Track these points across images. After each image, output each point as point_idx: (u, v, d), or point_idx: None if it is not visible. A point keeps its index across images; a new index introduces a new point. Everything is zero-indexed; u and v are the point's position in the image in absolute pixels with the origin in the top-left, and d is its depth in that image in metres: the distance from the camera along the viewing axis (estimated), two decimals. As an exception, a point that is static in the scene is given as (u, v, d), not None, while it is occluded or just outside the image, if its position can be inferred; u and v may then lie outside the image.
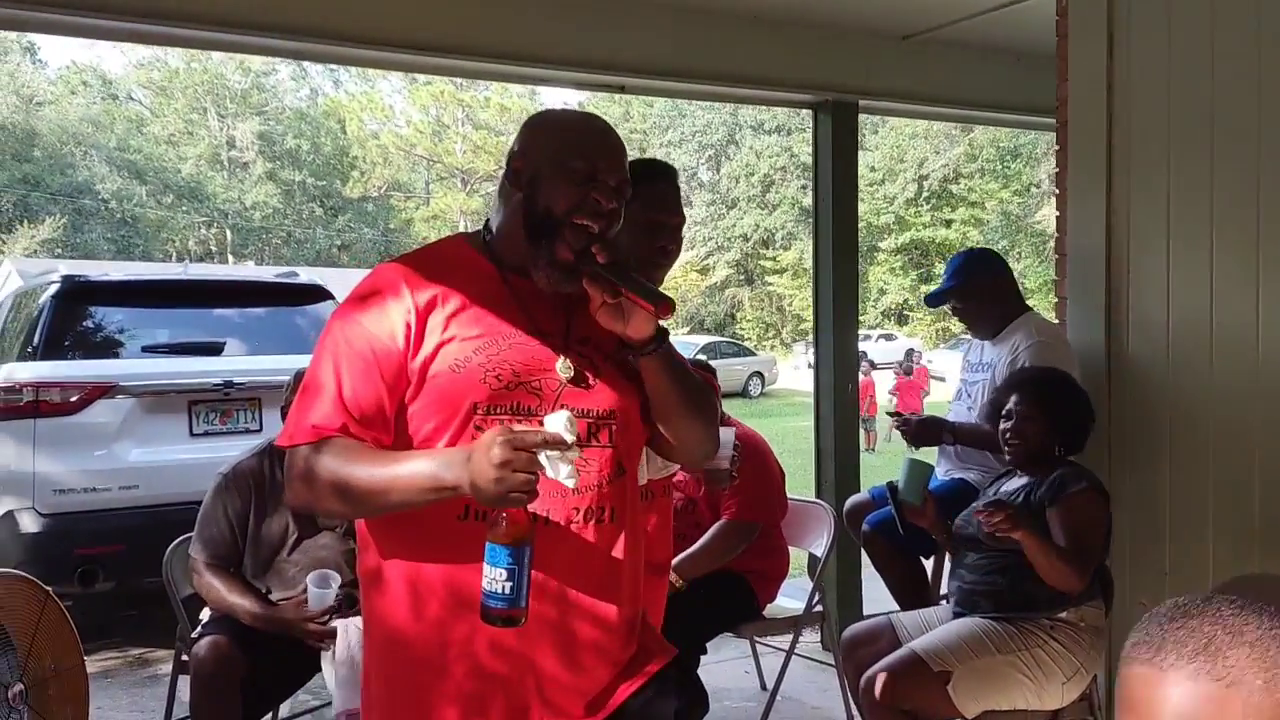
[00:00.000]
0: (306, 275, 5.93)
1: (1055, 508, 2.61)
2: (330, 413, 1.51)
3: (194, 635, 2.99)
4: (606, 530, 1.59)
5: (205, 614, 3.10)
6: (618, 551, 1.61)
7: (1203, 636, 0.90)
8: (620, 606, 1.62)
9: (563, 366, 1.58)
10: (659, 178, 2.10)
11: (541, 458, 1.37)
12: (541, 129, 1.66)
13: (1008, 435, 2.79)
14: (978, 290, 3.47)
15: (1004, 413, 2.83)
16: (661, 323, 1.57)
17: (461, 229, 39.23)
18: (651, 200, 2.01)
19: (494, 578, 1.39)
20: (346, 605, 2.85)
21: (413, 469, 1.45)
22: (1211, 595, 0.95)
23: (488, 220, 1.69)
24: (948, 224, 34.50)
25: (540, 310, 1.61)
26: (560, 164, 1.58)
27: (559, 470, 1.39)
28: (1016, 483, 2.82)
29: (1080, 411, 2.83)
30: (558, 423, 1.41)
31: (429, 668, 1.56)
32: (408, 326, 1.53)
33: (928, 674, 2.51)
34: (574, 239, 1.56)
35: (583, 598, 1.58)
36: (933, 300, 3.64)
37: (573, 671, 1.58)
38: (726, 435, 2.36)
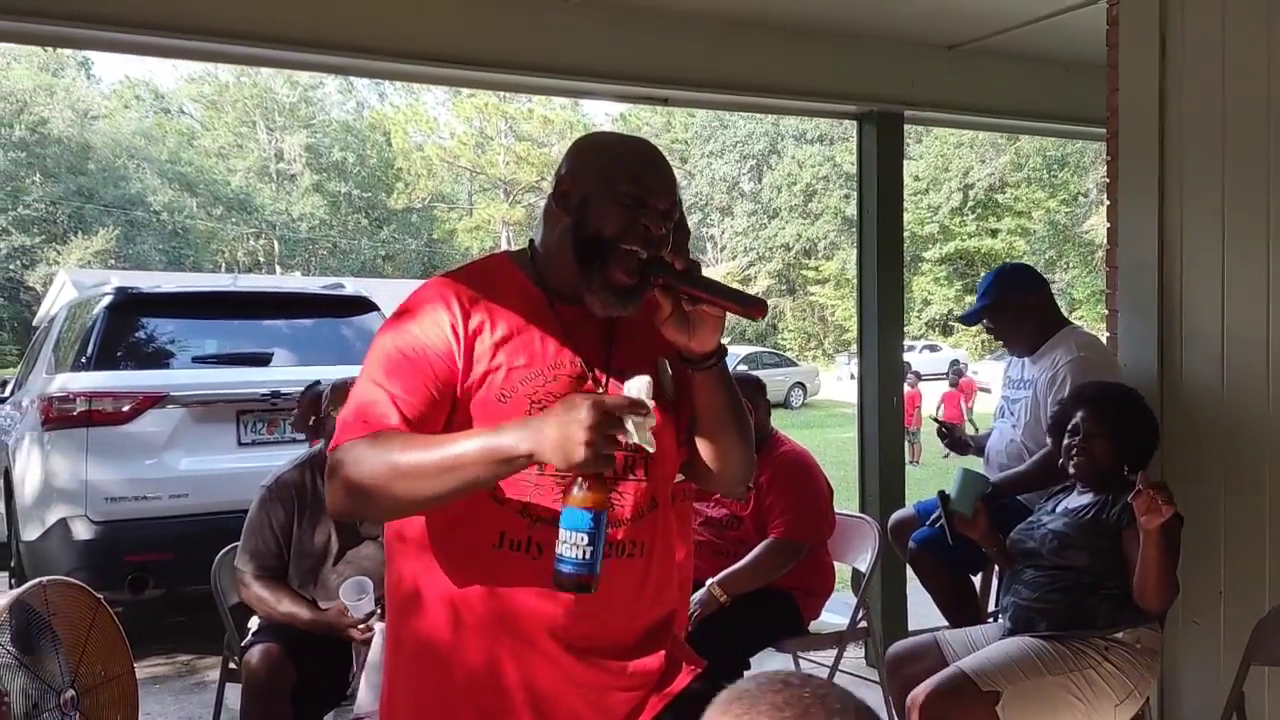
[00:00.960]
0: (352, 286, 6.01)
1: (1136, 528, 2.54)
2: (384, 412, 1.47)
3: (245, 643, 3.03)
4: (637, 564, 1.59)
5: (254, 622, 3.13)
6: (648, 583, 1.61)
7: (800, 705, 0.89)
8: (651, 632, 1.63)
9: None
10: None
11: (627, 423, 1.35)
12: (590, 152, 1.65)
13: (1074, 452, 2.74)
14: (1011, 308, 3.42)
15: (1069, 428, 2.77)
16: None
17: (504, 239, 39.53)
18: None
19: (573, 542, 1.36)
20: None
21: (479, 443, 1.39)
22: (811, 676, 0.95)
23: (532, 240, 1.68)
24: (993, 234, 34.14)
25: (584, 340, 1.59)
26: (610, 188, 1.55)
27: (643, 436, 1.37)
28: (1080, 500, 2.76)
29: (1148, 428, 2.77)
30: (639, 387, 1.39)
31: (458, 688, 1.56)
32: (458, 342, 1.52)
33: (976, 694, 2.46)
34: (625, 263, 1.53)
35: (614, 626, 1.58)
36: (967, 320, 3.62)
37: (604, 693, 1.58)
38: None
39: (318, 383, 4.04)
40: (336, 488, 1.46)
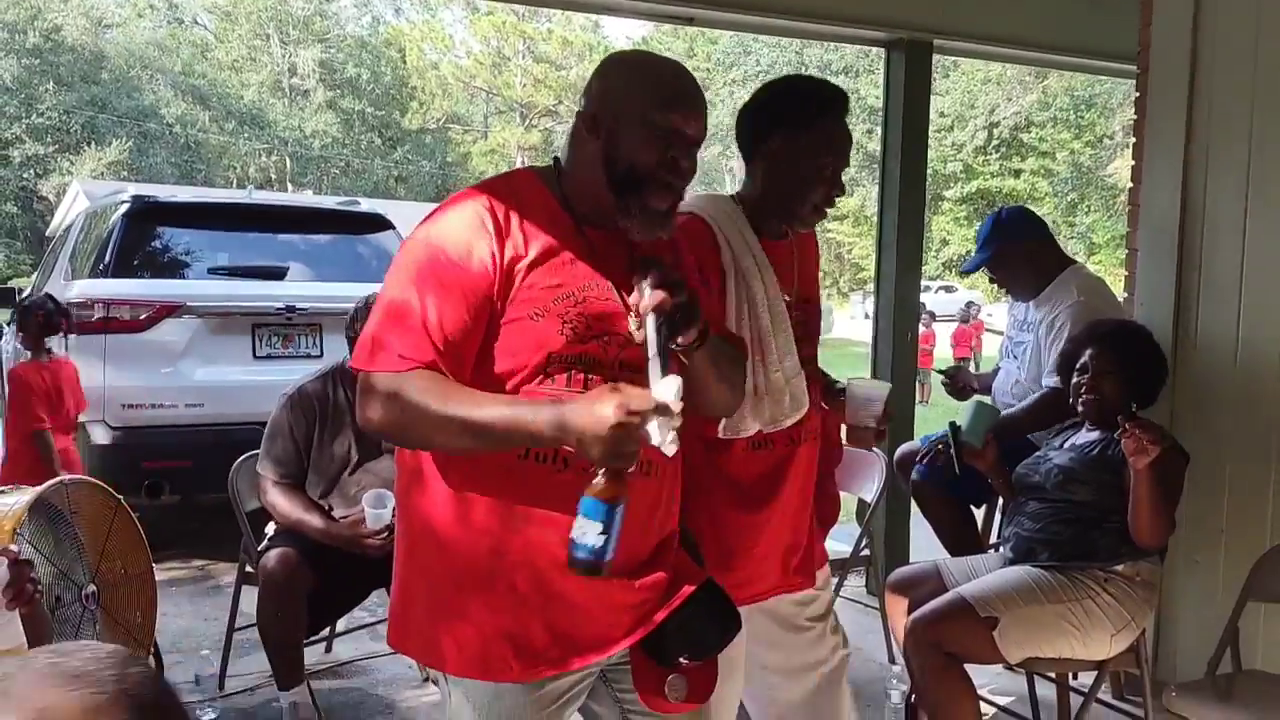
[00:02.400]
0: (367, 205, 5.99)
1: None
2: (418, 343, 1.48)
3: (262, 547, 3.10)
4: (651, 484, 1.61)
5: (270, 528, 3.20)
6: (660, 502, 1.65)
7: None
8: (659, 548, 1.67)
9: (635, 325, 1.56)
10: (846, 112, 2.04)
11: (650, 425, 1.37)
12: (621, 73, 1.63)
13: (1083, 390, 2.75)
14: (1010, 256, 3.39)
15: (1078, 367, 2.78)
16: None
17: (519, 165, 39.00)
18: (839, 140, 2.00)
19: (587, 530, 1.40)
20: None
21: (513, 417, 1.43)
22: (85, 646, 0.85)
23: (557, 159, 1.66)
24: (1016, 174, 33.68)
25: (612, 264, 1.60)
26: (641, 116, 1.55)
27: (664, 438, 1.39)
28: (1087, 436, 2.78)
29: (1156, 365, 2.79)
30: (669, 391, 1.40)
31: (471, 576, 1.58)
32: (494, 261, 1.52)
33: (974, 619, 2.51)
34: (659, 190, 1.55)
35: (628, 544, 1.59)
36: (967, 271, 3.61)
37: (611, 605, 1.62)
38: (879, 391, 2.23)
39: (27, 295, 4.21)
40: (370, 413, 1.51)
